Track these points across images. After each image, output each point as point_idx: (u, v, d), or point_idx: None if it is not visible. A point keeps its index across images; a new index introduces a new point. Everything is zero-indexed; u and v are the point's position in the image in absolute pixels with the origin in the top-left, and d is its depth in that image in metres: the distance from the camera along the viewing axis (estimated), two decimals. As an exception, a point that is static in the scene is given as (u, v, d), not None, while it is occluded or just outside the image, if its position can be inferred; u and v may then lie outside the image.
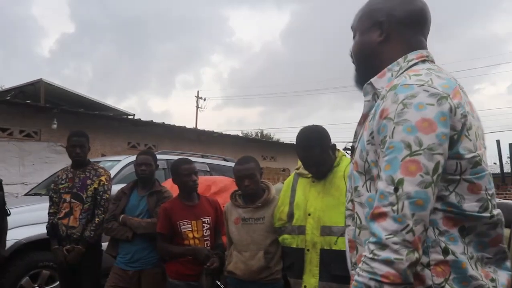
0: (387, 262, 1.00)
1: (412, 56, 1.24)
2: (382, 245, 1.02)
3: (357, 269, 1.07)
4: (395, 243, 1.00)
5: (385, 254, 1.01)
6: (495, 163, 20.61)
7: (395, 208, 1.02)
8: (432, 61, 1.26)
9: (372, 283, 1.02)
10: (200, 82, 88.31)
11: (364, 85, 1.30)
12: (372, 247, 1.03)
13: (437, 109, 1.05)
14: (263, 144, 17.36)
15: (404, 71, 1.21)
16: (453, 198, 1.09)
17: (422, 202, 1.02)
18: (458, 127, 1.08)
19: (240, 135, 24.48)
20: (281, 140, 20.25)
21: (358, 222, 1.22)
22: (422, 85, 1.09)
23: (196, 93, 29.09)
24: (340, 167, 2.38)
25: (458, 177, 1.09)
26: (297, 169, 2.58)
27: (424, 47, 1.29)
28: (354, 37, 1.39)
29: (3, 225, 3.74)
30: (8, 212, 3.80)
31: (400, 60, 1.25)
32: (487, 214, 1.12)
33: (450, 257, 1.08)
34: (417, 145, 1.03)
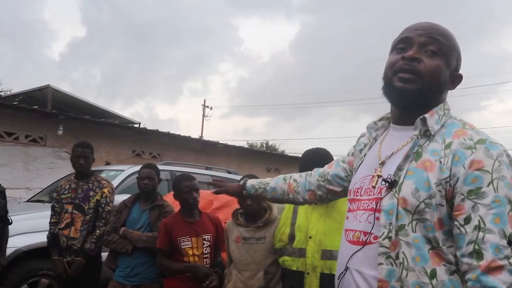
0: None
1: (447, 106, 1.33)
2: None
3: None
4: None
5: None
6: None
7: (511, 261, 1.07)
8: None
9: None
10: (208, 90, 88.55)
11: (407, 103, 1.31)
12: None
13: (511, 168, 1.16)
14: (268, 156, 17.35)
15: (449, 118, 1.30)
16: None
17: None
18: None
19: (245, 145, 24.51)
20: (286, 151, 20.31)
21: (406, 263, 1.19)
22: (501, 145, 1.20)
23: (203, 101, 29.17)
24: None
25: None
26: None
27: None
28: (429, 51, 1.28)
29: (4, 234, 3.74)
30: (10, 221, 3.80)
31: (441, 105, 1.32)
32: None
33: None
34: None
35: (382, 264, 1.23)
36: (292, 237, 2.43)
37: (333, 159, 2.43)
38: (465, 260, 1.12)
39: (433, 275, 1.15)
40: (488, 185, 1.12)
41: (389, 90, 1.33)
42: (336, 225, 2.27)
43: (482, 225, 1.10)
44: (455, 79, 1.35)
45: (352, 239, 1.35)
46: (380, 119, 1.47)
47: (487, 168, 1.13)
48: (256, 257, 2.72)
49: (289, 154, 17.90)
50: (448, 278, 1.15)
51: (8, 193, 4.15)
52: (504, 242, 1.08)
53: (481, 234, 1.10)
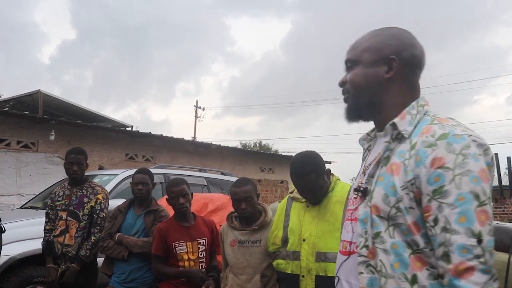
0: None
1: (423, 102, 1.28)
2: None
3: None
4: None
5: None
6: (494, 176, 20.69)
7: (482, 260, 1.04)
8: None
9: None
10: (200, 91, 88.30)
11: (355, 119, 1.34)
12: None
13: (485, 159, 1.11)
14: (261, 156, 17.35)
15: (423, 116, 1.24)
16: None
17: (492, 249, 1.07)
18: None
19: (239, 146, 24.49)
20: (280, 150, 20.33)
21: (384, 270, 1.18)
22: (470, 135, 1.13)
23: (195, 102, 29.09)
24: (335, 192, 2.38)
25: None
26: (291, 192, 2.58)
27: (419, 89, 1.32)
28: (349, 68, 1.35)
29: (-2, 242, 3.71)
30: (3, 229, 3.78)
31: (414, 104, 1.27)
32: None
33: None
34: (484, 195, 1.08)
35: (362, 273, 1.23)
36: (285, 240, 2.43)
37: (323, 160, 2.45)
38: (439, 263, 1.09)
39: (414, 280, 1.12)
40: (450, 183, 1.08)
41: (346, 114, 1.38)
42: (329, 227, 2.28)
43: (448, 226, 1.07)
44: (389, 64, 1.28)
45: (342, 249, 1.38)
46: (372, 130, 1.44)
47: (449, 165, 1.09)
48: (252, 260, 2.72)
49: (283, 154, 17.88)
50: (430, 283, 1.11)
51: (0, 200, 4.13)
52: (472, 241, 1.04)
53: (448, 235, 1.07)
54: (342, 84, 1.36)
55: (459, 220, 1.06)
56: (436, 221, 1.09)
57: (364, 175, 1.32)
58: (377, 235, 1.20)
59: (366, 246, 1.22)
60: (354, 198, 1.34)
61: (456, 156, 1.10)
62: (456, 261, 1.05)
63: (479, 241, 1.04)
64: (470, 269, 1.03)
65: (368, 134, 1.46)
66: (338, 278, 1.37)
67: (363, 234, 1.23)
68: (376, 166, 1.26)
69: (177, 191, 3.12)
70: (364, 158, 1.45)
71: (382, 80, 1.28)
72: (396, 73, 1.28)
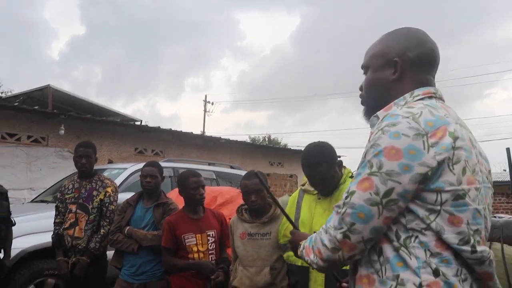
0: (321, 242, 1.26)
1: (419, 92, 1.31)
2: (325, 230, 1.26)
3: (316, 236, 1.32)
4: (329, 235, 1.23)
5: (323, 236, 1.26)
6: (504, 170, 20.47)
7: (339, 210, 1.22)
8: (440, 98, 1.32)
9: (313, 252, 1.31)
10: (210, 86, 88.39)
11: (368, 120, 1.42)
12: (324, 227, 1.28)
13: (410, 142, 1.14)
14: (270, 150, 17.31)
15: (411, 104, 1.27)
16: (434, 226, 1.15)
17: (363, 215, 1.17)
18: (432, 164, 1.13)
19: (248, 140, 24.48)
20: (289, 144, 20.22)
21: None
22: (407, 117, 1.17)
23: (204, 97, 29.12)
24: (346, 184, 2.35)
25: (438, 207, 1.15)
26: (303, 185, 2.55)
27: (432, 84, 1.35)
28: (365, 73, 1.44)
29: (8, 236, 3.74)
30: (13, 222, 3.80)
31: (407, 95, 1.31)
32: (467, 248, 1.15)
33: (440, 278, 1.13)
34: (377, 167, 1.16)
35: None
36: (296, 233, 2.41)
37: (335, 151, 2.42)
38: None
39: (380, 253, 1.21)
40: (364, 153, 1.22)
41: (364, 114, 1.48)
42: (341, 219, 2.25)
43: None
44: (394, 66, 1.34)
45: None
46: None
47: (370, 138, 1.22)
48: (262, 253, 2.71)
49: (292, 148, 17.82)
50: (393, 255, 1.18)
51: (11, 194, 4.15)
52: (345, 195, 1.22)
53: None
54: (360, 88, 1.47)
55: (352, 180, 1.25)
56: None
57: None
58: None
59: None
60: None
61: (377, 131, 1.20)
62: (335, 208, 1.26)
63: (346, 197, 1.20)
64: (336, 212, 1.24)
65: None
66: None
67: None
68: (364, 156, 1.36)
69: (198, 182, 3.14)
70: None
71: (390, 82, 1.35)
72: (402, 73, 1.33)
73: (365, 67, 1.43)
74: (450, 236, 1.15)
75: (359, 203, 1.16)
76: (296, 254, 1.57)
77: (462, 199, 1.16)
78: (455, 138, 1.16)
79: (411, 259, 1.15)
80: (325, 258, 1.25)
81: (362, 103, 1.46)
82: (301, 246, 1.42)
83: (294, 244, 1.61)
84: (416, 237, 1.16)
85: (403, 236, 1.17)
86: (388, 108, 1.30)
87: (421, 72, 1.34)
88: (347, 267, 1.42)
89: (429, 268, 1.14)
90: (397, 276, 1.16)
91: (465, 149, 1.18)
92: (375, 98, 1.39)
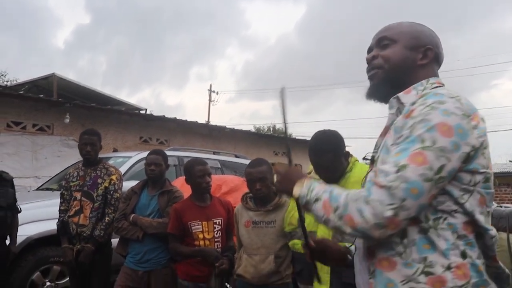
0: (359, 212, 1.12)
1: (433, 80, 1.34)
2: (367, 201, 1.12)
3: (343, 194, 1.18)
4: (373, 209, 1.10)
5: (363, 207, 1.12)
6: (510, 161, 20.40)
7: (390, 185, 1.10)
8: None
9: (336, 213, 1.17)
10: (215, 75, 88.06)
11: (378, 97, 1.40)
12: (361, 192, 1.14)
13: (459, 120, 1.14)
14: (275, 139, 17.27)
15: (429, 92, 1.26)
16: (468, 206, 1.16)
17: (416, 191, 1.09)
18: (476, 145, 1.16)
19: (252, 130, 24.44)
20: (294, 134, 20.03)
21: None
22: (453, 97, 1.18)
23: (209, 86, 29.05)
24: (353, 173, 2.33)
25: (472, 188, 1.16)
26: (309, 173, 2.54)
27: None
28: (385, 46, 1.38)
29: (14, 223, 3.76)
30: (19, 210, 3.82)
31: (424, 81, 1.33)
32: (491, 229, 1.20)
33: (468, 260, 1.14)
34: (431, 142, 1.11)
35: None
36: (301, 220, 2.40)
37: (344, 141, 2.40)
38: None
39: (404, 235, 1.17)
40: (408, 128, 1.16)
41: (367, 90, 1.43)
42: (346, 207, 2.24)
43: (385, 159, 1.19)
44: (426, 52, 1.36)
45: None
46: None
47: (415, 114, 1.16)
48: (266, 241, 2.71)
49: (297, 138, 17.78)
50: (419, 237, 1.16)
51: (17, 182, 4.17)
52: (393, 169, 1.11)
53: (380, 165, 1.18)
54: (372, 58, 1.40)
55: (395, 154, 1.15)
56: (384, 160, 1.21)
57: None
58: None
59: None
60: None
61: (424, 107, 1.16)
62: (375, 180, 1.14)
63: (397, 171, 1.11)
64: (380, 186, 1.11)
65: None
66: (356, 246, 1.39)
67: None
68: (381, 137, 1.34)
69: (204, 170, 3.15)
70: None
71: (416, 65, 1.35)
72: (428, 62, 1.36)
73: (392, 40, 1.38)
74: (480, 217, 1.17)
75: (413, 177, 1.09)
76: (286, 191, 1.37)
77: (489, 182, 1.20)
78: (482, 125, 1.20)
79: (439, 241, 1.14)
80: (359, 230, 1.13)
81: (374, 76, 1.39)
82: (310, 190, 1.27)
83: (286, 177, 1.39)
84: (445, 218, 1.16)
85: (432, 217, 1.16)
86: (408, 91, 1.31)
87: (436, 68, 1.39)
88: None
89: (457, 250, 1.14)
90: (425, 259, 1.14)
91: (486, 135, 1.21)
92: (397, 74, 1.35)
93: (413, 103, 1.21)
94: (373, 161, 1.35)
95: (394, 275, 1.18)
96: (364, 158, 1.35)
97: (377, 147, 1.34)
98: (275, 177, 1.36)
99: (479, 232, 1.18)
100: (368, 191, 1.13)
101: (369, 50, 1.44)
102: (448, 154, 1.11)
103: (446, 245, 1.14)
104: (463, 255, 1.14)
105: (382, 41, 1.40)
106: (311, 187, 1.28)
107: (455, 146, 1.12)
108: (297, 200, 1.33)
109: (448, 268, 1.12)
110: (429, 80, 1.33)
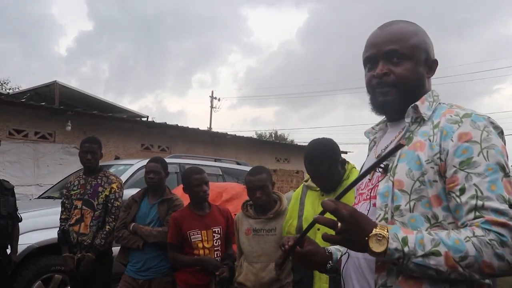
0: (498, 257, 1.07)
1: (436, 93, 1.38)
2: (504, 244, 1.07)
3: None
4: (510, 249, 1.07)
5: (501, 251, 1.07)
6: (512, 166, 20.41)
7: (509, 222, 1.08)
8: None
9: (464, 263, 1.08)
10: (217, 82, 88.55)
11: (393, 113, 1.39)
12: (488, 236, 1.08)
13: (501, 138, 1.23)
14: (277, 146, 17.28)
15: (438, 104, 1.34)
16: None
17: None
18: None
19: (254, 136, 24.47)
20: (296, 140, 20.19)
21: None
22: (489, 117, 1.23)
23: (211, 93, 29.11)
24: (350, 180, 2.33)
25: None
26: (306, 181, 2.53)
27: None
28: (397, 62, 1.33)
29: (15, 231, 3.76)
30: (20, 218, 3.82)
31: (430, 93, 1.36)
32: None
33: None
34: (507, 167, 1.16)
35: None
36: (300, 229, 2.39)
37: (339, 149, 2.39)
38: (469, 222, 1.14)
39: None
40: (478, 155, 1.16)
41: (375, 104, 1.39)
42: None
43: (479, 194, 1.13)
44: (432, 65, 1.38)
45: None
46: (378, 124, 1.53)
47: (476, 139, 1.18)
48: (267, 249, 2.70)
49: (298, 144, 17.80)
50: None
51: (19, 190, 4.18)
52: (505, 206, 1.10)
53: (479, 202, 1.12)
54: (384, 74, 1.33)
55: (491, 187, 1.13)
56: (463, 190, 1.15)
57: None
58: (396, 208, 1.24)
59: (385, 219, 1.25)
60: (369, 180, 1.38)
61: (481, 132, 1.18)
62: (494, 218, 1.09)
63: (510, 205, 1.10)
64: (505, 225, 1.08)
65: (373, 128, 1.55)
66: (348, 254, 1.37)
67: (383, 207, 1.27)
68: (397, 145, 1.30)
69: (200, 178, 3.13)
70: (370, 149, 1.55)
71: (425, 78, 1.37)
72: (433, 74, 1.39)
73: (404, 55, 1.33)
74: None
75: None
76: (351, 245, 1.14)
77: None
78: None
79: None
80: (497, 273, 1.09)
81: (387, 93, 1.34)
82: (404, 243, 1.10)
83: (353, 225, 1.09)
84: None
85: None
86: (422, 101, 1.32)
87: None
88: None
89: None
90: None
91: None
92: (412, 93, 1.33)
93: (453, 121, 1.22)
94: (386, 169, 1.28)
95: None
96: (375, 165, 1.29)
97: (386, 155, 1.17)
98: (339, 225, 1.09)
99: None
100: (498, 236, 1.08)
101: (373, 59, 1.36)
102: None
103: None
104: None
105: (392, 55, 1.34)
106: (400, 238, 1.11)
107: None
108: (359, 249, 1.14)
109: None
110: (432, 92, 1.37)
